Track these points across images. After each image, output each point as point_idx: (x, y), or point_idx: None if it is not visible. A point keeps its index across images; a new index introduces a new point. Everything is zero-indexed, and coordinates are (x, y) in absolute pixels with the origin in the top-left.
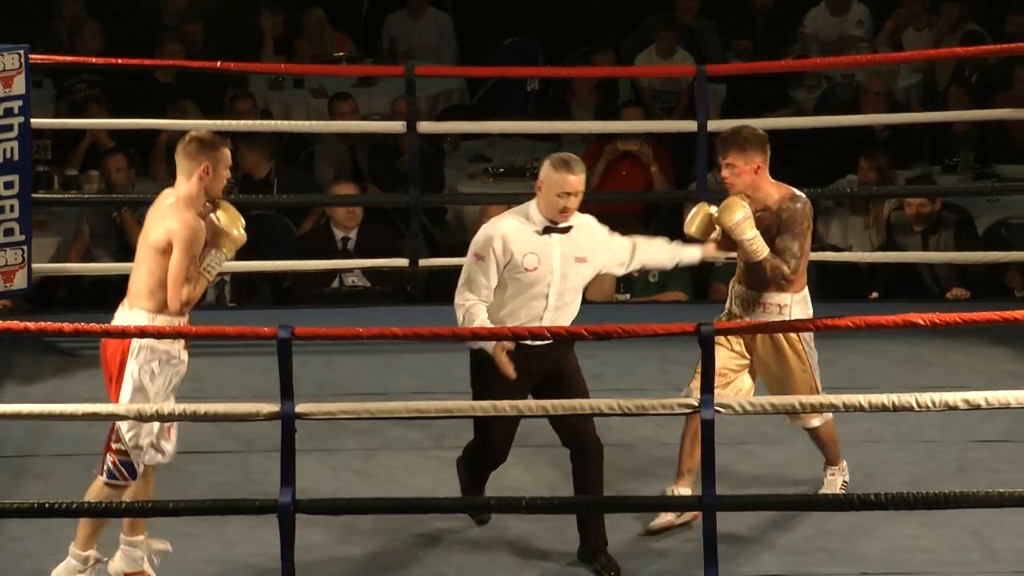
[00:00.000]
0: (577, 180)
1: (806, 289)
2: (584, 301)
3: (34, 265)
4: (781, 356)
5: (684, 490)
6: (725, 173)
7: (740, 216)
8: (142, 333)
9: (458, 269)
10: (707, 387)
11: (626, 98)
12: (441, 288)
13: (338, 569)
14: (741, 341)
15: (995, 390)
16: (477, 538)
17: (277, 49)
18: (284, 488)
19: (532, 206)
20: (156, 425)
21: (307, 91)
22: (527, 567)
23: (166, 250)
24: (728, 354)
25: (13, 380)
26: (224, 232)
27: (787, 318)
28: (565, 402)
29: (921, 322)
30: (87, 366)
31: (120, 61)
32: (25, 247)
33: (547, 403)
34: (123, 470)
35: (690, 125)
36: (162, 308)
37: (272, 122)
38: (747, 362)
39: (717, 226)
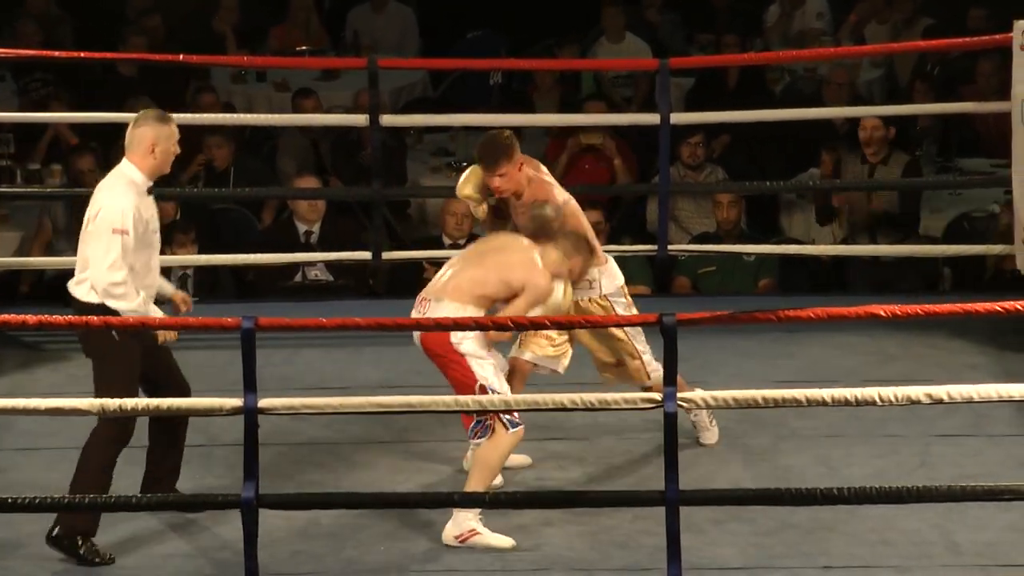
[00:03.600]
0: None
1: (611, 260)
2: None
3: None
4: (604, 337)
5: None
6: (496, 183)
7: None
8: (107, 325)
9: (421, 263)
10: (670, 379)
11: (589, 91)
12: (404, 282)
13: (300, 563)
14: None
15: (957, 384)
16: (440, 533)
17: (247, 38)
18: (247, 483)
19: (131, 171)
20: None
21: (270, 85)
22: (491, 559)
23: None
24: (547, 343)
25: None
26: None
27: (598, 292)
28: (527, 397)
29: (882, 314)
30: (50, 360)
31: (82, 55)
32: None
33: (514, 398)
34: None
35: (652, 118)
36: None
37: (234, 115)
38: (565, 344)
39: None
